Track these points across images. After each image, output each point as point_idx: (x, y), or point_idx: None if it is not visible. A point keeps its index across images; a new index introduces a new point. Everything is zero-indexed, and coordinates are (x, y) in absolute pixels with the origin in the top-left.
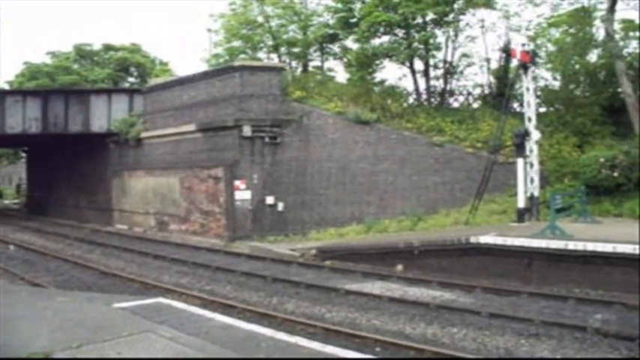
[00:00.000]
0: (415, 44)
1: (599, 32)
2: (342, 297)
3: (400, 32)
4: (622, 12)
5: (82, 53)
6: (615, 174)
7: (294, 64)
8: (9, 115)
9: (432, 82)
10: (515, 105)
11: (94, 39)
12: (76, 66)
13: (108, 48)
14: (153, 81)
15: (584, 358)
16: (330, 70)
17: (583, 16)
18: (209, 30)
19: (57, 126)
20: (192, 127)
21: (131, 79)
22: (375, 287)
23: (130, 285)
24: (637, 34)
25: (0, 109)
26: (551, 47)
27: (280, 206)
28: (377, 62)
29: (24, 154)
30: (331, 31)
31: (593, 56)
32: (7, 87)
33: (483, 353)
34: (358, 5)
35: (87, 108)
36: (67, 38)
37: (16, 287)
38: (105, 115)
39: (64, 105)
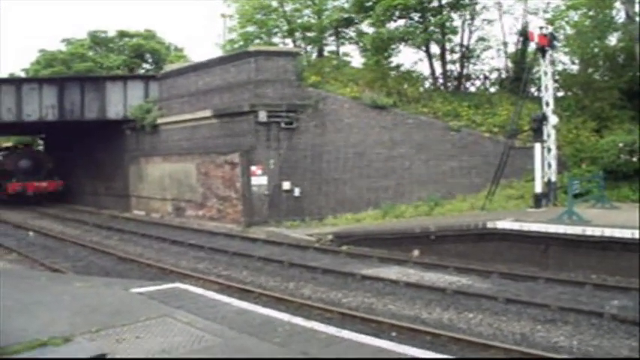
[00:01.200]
0: (431, 28)
1: (620, 15)
2: (359, 282)
3: (416, 16)
4: None
5: (97, 40)
6: (634, 159)
7: (309, 48)
8: (26, 102)
9: (449, 67)
10: (533, 89)
11: (109, 26)
12: (91, 53)
13: (122, 34)
14: (168, 67)
15: (585, 358)
16: (346, 54)
17: None
18: (223, 15)
19: (73, 113)
20: (208, 113)
21: (146, 66)
22: (391, 272)
23: (147, 270)
24: None
25: (17, 97)
26: (569, 30)
27: (297, 191)
28: (393, 46)
29: (41, 142)
30: (346, 15)
31: (612, 39)
32: (23, 75)
33: (499, 339)
34: None
35: (103, 95)
36: (81, 25)
37: (35, 273)
38: (121, 102)
39: (80, 92)
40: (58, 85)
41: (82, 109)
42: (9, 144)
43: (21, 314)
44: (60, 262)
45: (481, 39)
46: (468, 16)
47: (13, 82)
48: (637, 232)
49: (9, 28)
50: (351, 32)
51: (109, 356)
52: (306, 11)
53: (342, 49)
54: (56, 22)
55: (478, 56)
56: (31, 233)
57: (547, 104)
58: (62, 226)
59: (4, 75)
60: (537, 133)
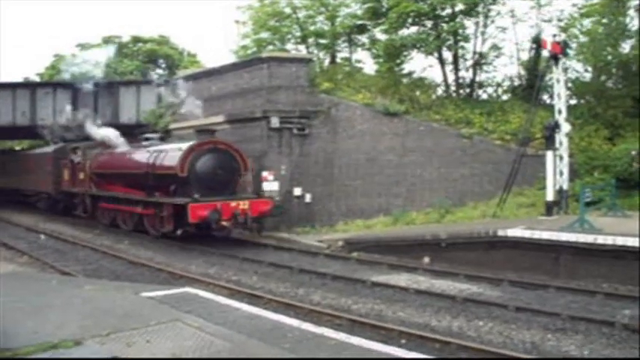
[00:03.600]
0: (444, 35)
1: (633, 22)
2: (369, 289)
3: (429, 23)
4: None
5: (112, 50)
6: None
7: (321, 55)
8: (40, 106)
9: (461, 74)
10: (546, 97)
11: (123, 31)
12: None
13: (136, 40)
14: (181, 72)
15: (584, 358)
16: (358, 61)
17: (616, 5)
18: (237, 21)
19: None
20: (220, 119)
21: (159, 71)
22: (401, 279)
23: (158, 275)
24: None
25: (31, 101)
26: (582, 38)
27: (308, 197)
28: (405, 53)
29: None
30: (359, 22)
31: (626, 47)
32: (37, 79)
33: (509, 347)
34: None
35: (116, 100)
36: (95, 31)
37: (46, 275)
38: (134, 107)
39: (94, 97)
40: (72, 89)
41: (95, 114)
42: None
43: (32, 316)
44: (71, 265)
45: (494, 46)
46: (481, 24)
47: (28, 86)
48: None
49: (24, 32)
50: (364, 39)
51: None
52: (320, 18)
53: (355, 56)
54: (71, 27)
55: (491, 63)
56: (42, 236)
57: (559, 112)
58: (73, 229)
59: (19, 79)
60: (549, 141)
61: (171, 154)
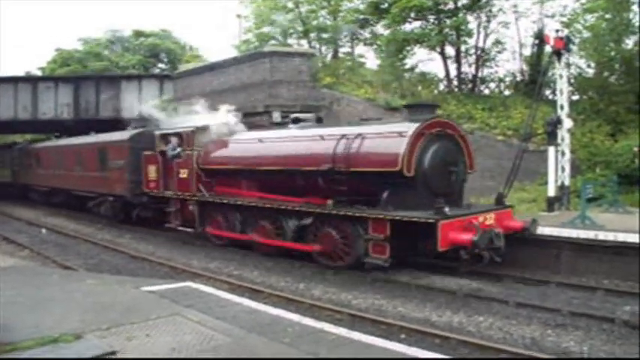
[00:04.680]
0: (446, 30)
1: (637, 18)
2: (369, 284)
3: (431, 18)
4: None
5: (113, 39)
6: None
7: (324, 50)
8: (41, 101)
9: (464, 69)
10: (548, 92)
11: (125, 25)
12: (106, 52)
13: (138, 34)
14: (183, 67)
15: (585, 358)
16: (361, 56)
17: (620, 1)
18: (239, 16)
19: (88, 112)
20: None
21: (161, 65)
22: (402, 275)
23: (159, 269)
24: None
25: (33, 95)
26: (586, 33)
27: None
28: (407, 48)
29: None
30: (361, 17)
31: (629, 43)
32: (39, 73)
33: (509, 342)
34: None
35: (118, 94)
36: (98, 24)
37: (47, 270)
38: (135, 101)
39: (95, 91)
40: (74, 83)
41: (97, 108)
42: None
43: (33, 310)
44: (72, 259)
45: (497, 42)
46: (483, 19)
47: (29, 80)
48: None
49: (26, 26)
50: (366, 33)
51: (119, 354)
52: (322, 12)
53: (357, 51)
54: (73, 21)
55: (493, 59)
56: (43, 230)
57: (562, 108)
58: (74, 223)
59: (21, 73)
60: (551, 137)
61: (380, 141)
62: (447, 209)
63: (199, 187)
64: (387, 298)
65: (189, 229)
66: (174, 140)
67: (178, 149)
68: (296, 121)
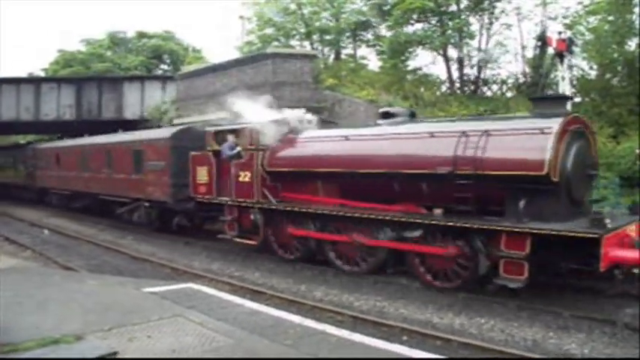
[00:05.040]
0: (449, 32)
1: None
2: (370, 286)
3: (434, 20)
4: None
5: (116, 41)
6: None
7: (326, 51)
8: (44, 102)
9: (466, 71)
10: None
11: (128, 26)
12: (109, 53)
13: (141, 35)
14: (186, 68)
15: (585, 358)
16: (363, 57)
17: (623, 3)
18: (241, 17)
19: (91, 113)
20: (225, 115)
21: (164, 67)
22: (402, 276)
23: (160, 270)
24: None
25: (35, 96)
26: (588, 35)
27: None
28: (410, 50)
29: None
30: (364, 19)
31: (632, 45)
32: (42, 74)
33: (510, 344)
34: None
35: (120, 95)
36: (100, 26)
37: (49, 270)
38: (138, 102)
39: (98, 92)
40: (76, 85)
41: (99, 109)
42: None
43: (34, 311)
44: (74, 260)
45: (499, 44)
46: (486, 21)
47: (32, 81)
48: None
49: (29, 27)
50: (368, 35)
51: (120, 355)
52: (324, 14)
53: (360, 52)
54: (76, 23)
55: (495, 61)
56: (45, 231)
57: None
58: (77, 224)
59: (24, 74)
60: None
61: (515, 139)
62: (607, 221)
63: (264, 192)
64: (388, 300)
65: (249, 242)
66: (231, 138)
67: (238, 149)
68: (386, 115)
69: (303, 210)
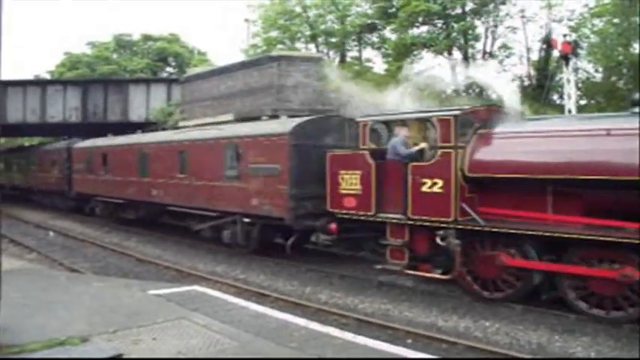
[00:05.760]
0: (454, 34)
1: None
2: (375, 288)
3: (439, 22)
4: None
5: (121, 43)
6: None
7: (331, 54)
8: (50, 104)
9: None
10: (555, 97)
11: (133, 29)
12: (115, 56)
13: (147, 38)
14: (191, 71)
15: (584, 358)
16: (368, 60)
17: (628, 5)
18: (247, 20)
19: (96, 115)
20: (229, 117)
21: (169, 69)
22: (408, 279)
23: (165, 272)
24: None
25: (41, 98)
26: (593, 38)
27: None
28: (415, 52)
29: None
30: (369, 21)
31: (637, 47)
32: (48, 77)
33: (515, 348)
34: None
35: (125, 97)
36: (106, 29)
37: (54, 272)
38: (143, 105)
39: (103, 94)
40: (82, 87)
41: (104, 112)
42: None
43: (40, 313)
44: (79, 262)
45: (504, 46)
46: (491, 23)
47: (38, 83)
48: None
49: (35, 30)
50: (374, 38)
51: (125, 356)
52: (330, 17)
53: (365, 55)
54: (82, 25)
55: (501, 63)
56: (51, 233)
57: (569, 112)
58: (82, 227)
59: (30, 77)
60: None
61: None
62: None
63: (463, 207)
64: (393, 303)
65: (436, 276)
66: (402, 132)
67: (423, 145)
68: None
69: (555, 235)
